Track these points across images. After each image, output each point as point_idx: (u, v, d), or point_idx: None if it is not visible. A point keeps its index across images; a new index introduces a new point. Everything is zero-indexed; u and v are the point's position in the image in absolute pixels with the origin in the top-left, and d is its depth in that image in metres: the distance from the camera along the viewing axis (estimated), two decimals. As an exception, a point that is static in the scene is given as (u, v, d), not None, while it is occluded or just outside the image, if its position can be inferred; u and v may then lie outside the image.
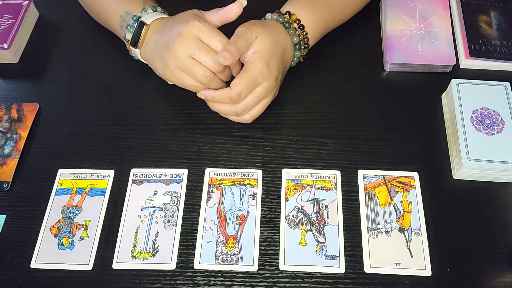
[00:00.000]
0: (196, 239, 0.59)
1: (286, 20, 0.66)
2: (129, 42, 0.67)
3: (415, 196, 0.61)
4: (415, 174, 0.63)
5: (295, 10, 0.67)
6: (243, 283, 0.56)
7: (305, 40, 0.67)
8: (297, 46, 0.66)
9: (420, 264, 0.56)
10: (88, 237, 0.59)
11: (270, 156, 0.65)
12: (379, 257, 0.57)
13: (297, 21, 0.66)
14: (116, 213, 0.61)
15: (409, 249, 0.57)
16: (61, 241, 0.59)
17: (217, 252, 0.58)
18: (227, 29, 0.62)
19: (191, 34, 0.60)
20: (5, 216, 0.61)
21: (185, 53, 0.60)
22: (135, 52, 0.68)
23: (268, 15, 0.67)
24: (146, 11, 0.67)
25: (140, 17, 0.66)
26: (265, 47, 0.61)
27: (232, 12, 0.62)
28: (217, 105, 0.63)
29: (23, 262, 0.58)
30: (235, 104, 0.62)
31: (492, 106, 0.64)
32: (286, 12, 0.67)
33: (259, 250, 0.58)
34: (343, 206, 0.61)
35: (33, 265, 0.58)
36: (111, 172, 0.64)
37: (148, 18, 0.66)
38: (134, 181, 0.63)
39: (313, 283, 0.56)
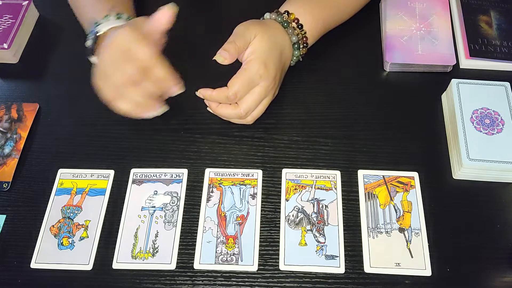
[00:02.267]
0: (196, 239, 0.59)
1: (284, 19, 0.66)
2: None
3: (415, 196, 0.61)
4: (415, 174, 0.63)
5: (294, 9, 0.67)
6: (243, 283, 0.56)
7: (304, 39, 0.67)
8: (296, 45, 0.66)
9: (420, 264, 0.56)
10: (88, 237, 0.59)
11: (270, 156, 0.65)
12: (379, 257, 0.57)
13: (296, 20, 0.66)
14: (116, 213, 0.61)
15: (409, 249, 0.57)
16: (61, 241, 0.59)
17: (217, 252, 0.58)
18: (225, 29, 0.62)
19: (119, 43, 0.58)
20: (5, 216, 0.61)
21: (110, 60, 0.58)
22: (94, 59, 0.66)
23: (267, 15, 0.67)
24: (107, 18, 0.65)
25: (99, 24, 0.65)
26: (263, 46, 0.61)
27: (160, 22, 0.58)
28: (220, 109, 0.63)
29: (23, 262, 0.58)
30: (231, 102, 0.62)
31: (492, 106, 0.64)
32: (285, 11, 0.67)
33: (259, 250, 0.58)
34: (343, 206, 0.61)
35: (33, 265, 0.58)
36: (111, 172, 0.64)
37: (104, 27, 0.64)
38: (134, 181, 0.63)
39: (313, 283, 0.56)
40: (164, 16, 0.58)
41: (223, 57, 0.58)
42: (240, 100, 0.62)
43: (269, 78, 0.62)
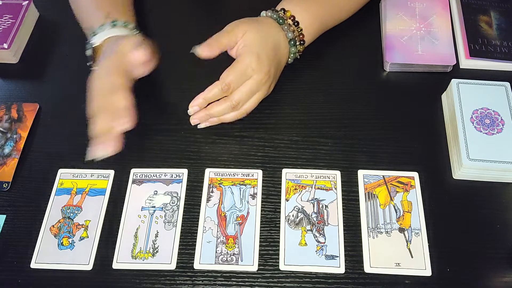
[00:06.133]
0: (196, 239, 0.59)
1: (280, 16, 0.66)
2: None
3: (415, 196, 0.61)
4: (415, 174, 0.63)
5: (290, 7, 0.67)
6: (243, 283, 0.56)
7: (301, 36, 0.67)
8: (292, 42, 0.67)
9: (420, 264, 0.56)
10: (88, 237, 0.59)
11: (270, 156, 0.65)
12: (379, 257, 0.57)
13: (292, 17, 0.67)
14: (116, 213, 0.61)
15: (409, 249, 0.57)
16: (61, 241, 0.59)
17: (217, 252, 0.58)
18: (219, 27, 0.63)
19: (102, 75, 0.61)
20: (5, 216, 0.61)
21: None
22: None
23: (263, 13, 0.68)
24: (102, 28, 0.66)
25: (95, 34, 0.66)
26: (255, 40, 0.62)
27: (137, 61, 0.61)
28: (212, 108, 0.63)
29: (23, 262, 0.58)
30: (224, 95, 0.61)
31: (492, 106, 0.64)
32: (281, 9, 0.67)
33: (259, 250, 0.58)
34: (343, 206, 0.61)
35: (33, 265, 0.58)
36: (111, 172, 0.64)
37: (99, 38, 0.65)
38: (134, 181, 0.63)
39: (313, 283, 0.56)
40: (140, 57, 0.60)
41: (201, 49, 0.60)
42: (232, 93, 0.62)
43: (262, 71, 0.62)
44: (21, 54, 0.76)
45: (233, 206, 0.61)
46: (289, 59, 0.69)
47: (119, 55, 0.62)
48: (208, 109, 0.63)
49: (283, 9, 0.67)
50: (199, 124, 0.66)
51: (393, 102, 0.69)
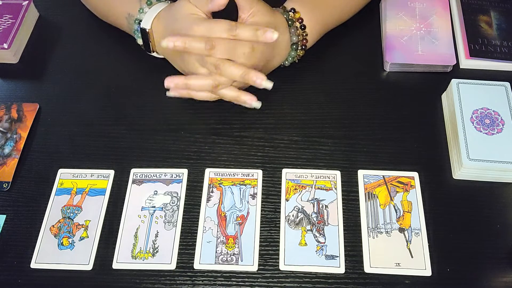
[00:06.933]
0: (196, 239, 0.59)
1: (290, 17, 0.65)
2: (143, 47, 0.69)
3: (415, 196, 0.61)
4: (415, 174, 0.63)
5: (299, 8, 0.66)
6: (243, 283, 0.56)
7: (304, 41, 0.66)
8: (294, 46, 0.66)
9: (420, 264, 0.56)
10: (88, 237, 0.59)
11: (270, 156, 0.65)
12: (379, 257, 0.57)
13: (300, 20, 0.66)
14: (116, 213, 0.61)
15: (409, 249, 0.57)
16: (61, 241, 0.59)
17: (217, 252, 0.58)
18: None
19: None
20: (5, 216, 0.61)
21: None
22: (155, 53, 0.69)
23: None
24: (143, 11, 0.66)
25: (141, 20, 0.66)
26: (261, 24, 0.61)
27: (219, 4, 0.60)
28: (192, 79, 0.62)
29: (23, 262, 0.58)
30: (208, 53, 0.59)
31: (492, 106, 0.64)
32: (291, 9, 0.66)
33: (259, 250, 0.58)
34: (343, 206, 0.61)
35: (33, 265, 0.58)
36: (111, 172, 0.64)
37: (147, 22, 0.65)
38: (134, 181, 0.63)
39: (313, 283, 0.56)
40: (219, 2, 0.60)
41: None
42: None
43: (250, 62, 0.60)
44: (21, 54, 0.76)
45: (233, 206, 0.61)
46: (286, 62, 0.68)
47: (193, 17, 0.61)
48: (188, 78, 0.62)
49: (293, 9, 0.66)
50: (169, 91, 0.64)
51: (393, 102, 0.69)
